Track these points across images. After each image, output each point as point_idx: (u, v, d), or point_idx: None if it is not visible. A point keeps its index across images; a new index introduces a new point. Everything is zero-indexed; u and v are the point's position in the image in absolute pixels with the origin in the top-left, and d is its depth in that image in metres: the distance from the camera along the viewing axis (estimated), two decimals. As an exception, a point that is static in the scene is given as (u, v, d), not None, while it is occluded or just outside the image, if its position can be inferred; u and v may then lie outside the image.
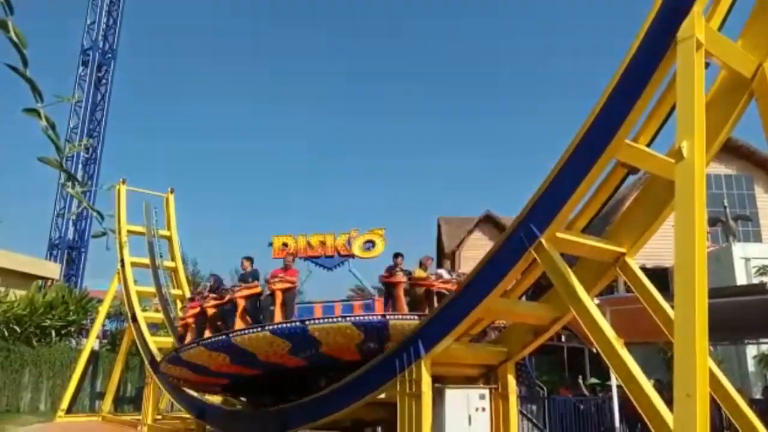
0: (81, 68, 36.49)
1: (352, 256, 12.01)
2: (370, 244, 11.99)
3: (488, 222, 30.21)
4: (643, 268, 8.16)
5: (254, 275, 12.26)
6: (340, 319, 10.09)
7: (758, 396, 15.62)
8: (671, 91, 6.45)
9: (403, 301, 10.86)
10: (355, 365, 9.99)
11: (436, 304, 10.31)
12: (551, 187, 7.40)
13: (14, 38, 1.58)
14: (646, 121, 7.12)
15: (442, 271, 12.59)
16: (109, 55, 37.32)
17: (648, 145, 7.24)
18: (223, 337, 10.76)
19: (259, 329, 10.35)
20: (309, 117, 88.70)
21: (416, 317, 9.87)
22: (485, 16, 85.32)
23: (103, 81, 37.09)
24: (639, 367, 6.42)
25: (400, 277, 11.02)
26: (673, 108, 6.55)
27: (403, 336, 9.29)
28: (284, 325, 10.32)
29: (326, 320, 10.10)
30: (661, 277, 17.68)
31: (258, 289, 11.87)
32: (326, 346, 10.26)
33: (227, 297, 11.77)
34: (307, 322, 10.08)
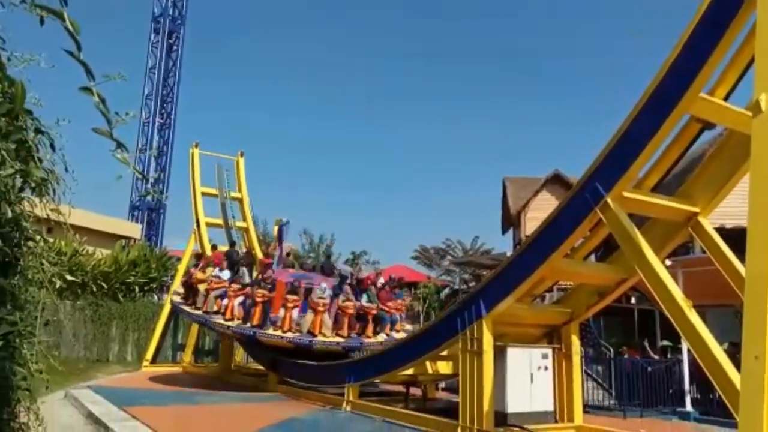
0: (153, 35, 37.68)
1: None
2: None
3: (556, 182, 29.42)
4: (722, 229, 7.83)
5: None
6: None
7: None
8: (750, 41, 6.05)
9: None
10: None
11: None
12: (619, 144, 7.17)
13: (69, 27, 1.80)
14: (723, 73, 6.74)
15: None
16: (179, 22, 38.29)
17: (725, 99, 6.86)
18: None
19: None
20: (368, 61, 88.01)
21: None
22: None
23: (174, 48, 38.18)
24: (713, 330, 6.26)
25: None
26: (751, 60, 6.15)
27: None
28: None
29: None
30: (741, 237, 16.85)
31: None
32: None
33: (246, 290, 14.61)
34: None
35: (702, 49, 6.01)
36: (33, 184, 2.16)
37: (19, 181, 2.12)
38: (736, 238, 9.56)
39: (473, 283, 29.99)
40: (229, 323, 14.41)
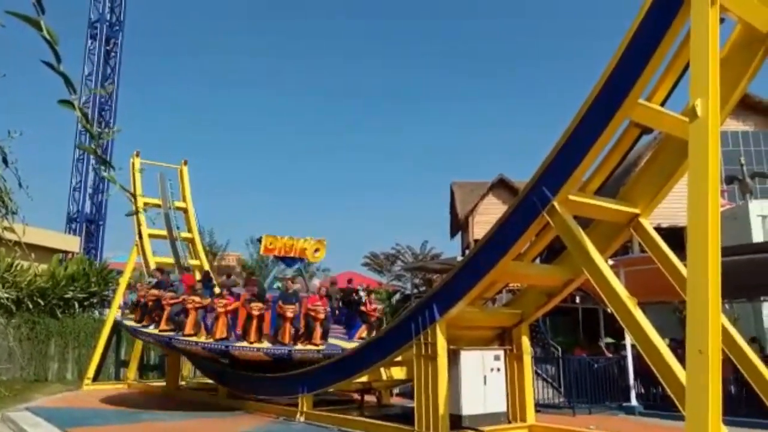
0: (89, 41, 36.37)
1: (303, 259, 17.11)
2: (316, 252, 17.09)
3: (501, 186, 30.05)
4: (658, 229, 8.16)
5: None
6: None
7: (773, 352, 15.66)
8: (685, 48, 6.36)
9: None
10: None
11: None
12: (564, 149, 7.38)
13: (47, 36, 1.66)
14: (660, 79, 7.03)
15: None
16: (117, 28, 37.11)
17: (662, 105, 7.17)
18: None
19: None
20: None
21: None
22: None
23: (112, 54, 36.96)
24: (653, 326, 6.48)
25: None
26: (687, 66, 6.45)
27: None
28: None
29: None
30: (676, 236, 17.62)
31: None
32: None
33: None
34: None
35: (640, 57, 6.25)
36: None
37: None
38: (671, 237, 10.02)
39: (424, 288, 30.20)
40: (199, 340, 13.71)
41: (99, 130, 1.80)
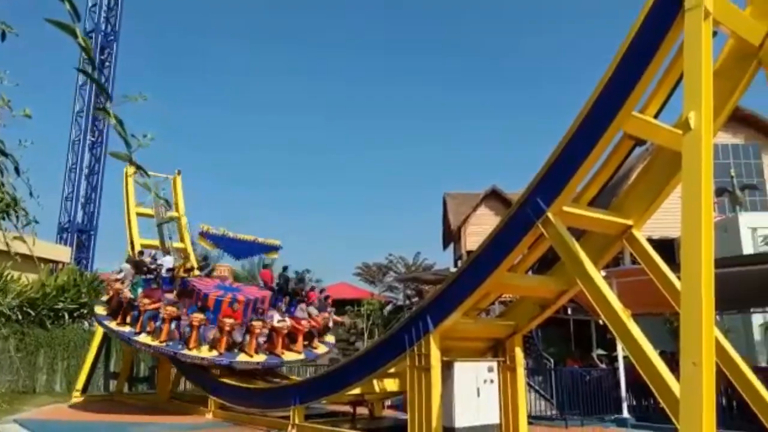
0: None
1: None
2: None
3: (494, 197, 30.17)
4: (649, 240, 8.19)
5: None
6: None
7: (764, 364, 15.77)
8: (678, 61, 6.42)
9: None
10: None
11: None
12: (558, 160, 7.40)
13: (82, 44, 1.65)
14: (654, 92, 7.08)
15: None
16: (112, 38, 37.13)
17: (655, 117, 7.21)
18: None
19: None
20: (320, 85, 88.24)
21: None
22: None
23: (107, 64, 36.95)
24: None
25: None
26: (680, 79, 6.52)
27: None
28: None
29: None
30: (667, 248, 17.71)
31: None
32: None
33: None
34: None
35: (634, 69, 6.30)
36: None
37: None
38: (663, 249, 10.05)
39: (416, 299, 30.14)
40: (151, 341, 14.00)
41: (134, 136, 1.79)
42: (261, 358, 14.38)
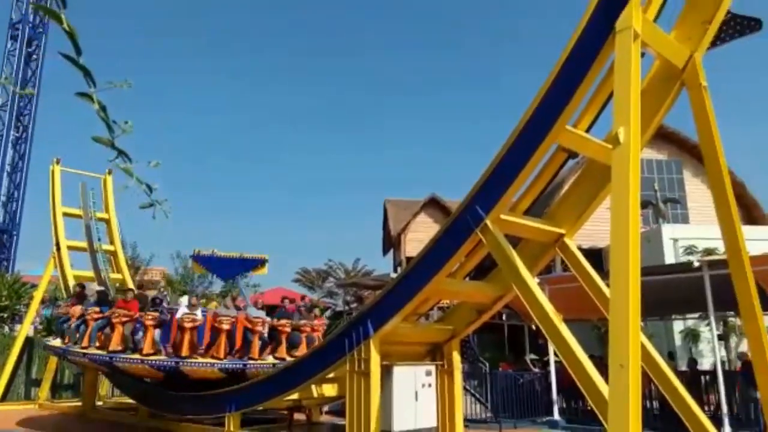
0: (9, 43, 34.50)
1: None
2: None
3: (433, 205, 30.63)
4: (579, 249, 8.55)
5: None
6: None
7: (684, 368, 16.71)
8: (609, 79, 6.78)
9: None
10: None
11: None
12: (496, 170, 7.63)
13: (68, 29, 1.64)
14: (586, 107, 7.44)
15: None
16: (41, 30, 35.38)
17: (587, 131, 7.57)
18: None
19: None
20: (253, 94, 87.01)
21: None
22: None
23: (34, 57, 35.19)
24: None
25: None
26: (610, 95, 6.87)
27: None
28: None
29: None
30: (596, 257, 18.51)
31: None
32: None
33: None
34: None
35: (569, 85, 6.61)
36: None
37: None
38: (592, 257, 10.52)
39: (356, 305, 30.16)
40: (85, 351, 13.21)
41: (116, 122, 1.78)
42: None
